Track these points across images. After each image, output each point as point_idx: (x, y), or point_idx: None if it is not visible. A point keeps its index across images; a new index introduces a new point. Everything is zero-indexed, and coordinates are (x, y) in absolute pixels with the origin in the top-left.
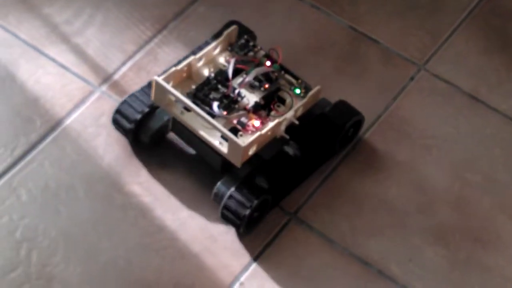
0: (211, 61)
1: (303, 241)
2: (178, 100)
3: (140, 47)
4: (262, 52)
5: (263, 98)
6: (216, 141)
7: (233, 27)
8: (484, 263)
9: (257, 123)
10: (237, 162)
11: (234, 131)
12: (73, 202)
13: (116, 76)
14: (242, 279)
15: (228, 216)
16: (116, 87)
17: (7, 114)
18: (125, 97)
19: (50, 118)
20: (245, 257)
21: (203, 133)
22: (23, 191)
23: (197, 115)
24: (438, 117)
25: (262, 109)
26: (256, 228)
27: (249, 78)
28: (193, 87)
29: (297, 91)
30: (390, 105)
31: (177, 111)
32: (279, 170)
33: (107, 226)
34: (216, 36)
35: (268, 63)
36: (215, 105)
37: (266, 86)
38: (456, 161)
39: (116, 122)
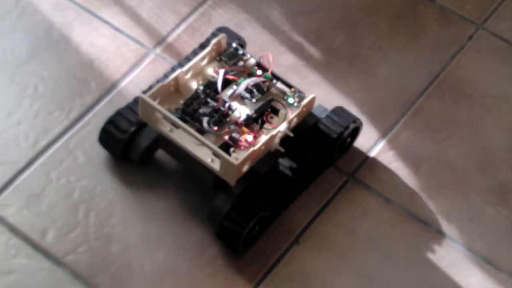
0: (199, 73)
1: (361, 201)
2: (165, 117)
3: (194, 9)
4: (252, 61)
5: (255, 110)
6: (207, 158)
7: (221, 35)
8: None
9: (249, 137)
10: (231, 180)
11: (226, 146)
12: (129, 164)
13: (170, 39)
14: (300, 238)
15: (224, 236)
16: (170, 49)
17: (62, 76)
18: (110, 115)
19: (105, 80)
20: (304, 218)
21: (193, 151)
22: (80, 153)
23: (187, 132)
24: (498, 77)
25: (255, 121)
26: (313, 188)
27: (239, 90)
28: (182, 102)
29: (290, 100)
30: (448, 65)
31: (165, 129)
32: (275, 185)
33: (163, 187)
34: (203, 45)
35: (259, 72)
36: (204, 121)
37: (258, 97)
38: None
39: (102, 141)
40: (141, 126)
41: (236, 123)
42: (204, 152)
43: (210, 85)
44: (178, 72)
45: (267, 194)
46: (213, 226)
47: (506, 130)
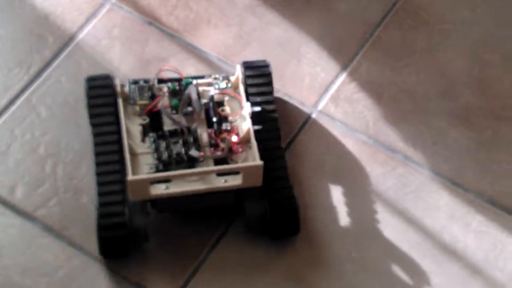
0: (129, 132)
1: (326, 133)
2: (159, 179)
3: None
4: (156, 85)
5: (209, 114)
6: (221, 182)
7: (118, 84)
8: (510, 140)
9: (234, 138)
10: (259, 181)
11: (221, 160)
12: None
13: None
14: None
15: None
16: None
17: (19, 33)
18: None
19: (62, 33)
20: None
21: (203, 186)
22: (43, 108)
23: (184, 177)
24: (454, 2)
25: (219, 123)
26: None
27: (180, 114)
28: (154, 159)
29: (222, 85)
30: None
31: (161, 190)
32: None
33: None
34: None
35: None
36: (194, 153)
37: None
38: (474, 43)
39: (107, 253)
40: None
41: (210, 136)
42: (212, 180)
43: (154, 128)
44: (127, 145)
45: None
46: (260, 231)
47: (464, 54)
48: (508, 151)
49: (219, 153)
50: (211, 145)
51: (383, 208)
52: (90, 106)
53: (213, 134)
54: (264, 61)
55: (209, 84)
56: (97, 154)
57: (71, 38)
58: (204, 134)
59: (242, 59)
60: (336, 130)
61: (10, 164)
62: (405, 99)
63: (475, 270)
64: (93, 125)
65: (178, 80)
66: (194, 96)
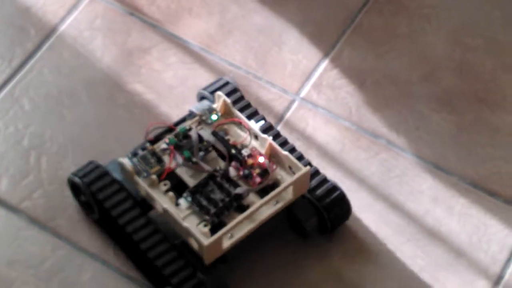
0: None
1: (310, 120)
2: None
3: None
4: (159, 147)
5: (225, 149)
6: (274, 207)
7: (126, 163)
8: (492, 123)
9: (261, 159)
10: (306, 187)
11: (266, 189)
12: (76, 106)
13: None
14: None
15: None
16: None
17: (0, 26)
18: None
19: (44, 26)
20: None
21: (263, 217)
22: (26, 101)
23: (247, 216)
24: None
25: (238, 153)
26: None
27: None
28: (204, 216)
29: (214, 117)
30: None
31: (229, 242)
32: None
33: (113, 126)
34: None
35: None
36: (241, 190)
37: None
38: (455, 27)
39: None
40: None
41: (241, 164)
42: (265, 207)
43: (178, 188)
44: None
45: None
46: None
47: (445, 38)
48: (490, 134)
49: (266, 181)
50: (245, 177)
51: (367, 193)
52: (109, 209)
53: (240, 166)
54: (221, 78)
55: (200, 122)
56: (148, 249)
57: (53, 30)
58: (230, 170)
59: (224, 48)
60: (319, 117)
61: None
62: (388, 84)
63: (459, 253)
64: (124, 224)
65: (170, 131)
66: (211, 138)
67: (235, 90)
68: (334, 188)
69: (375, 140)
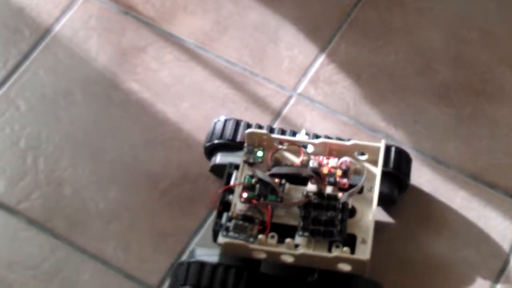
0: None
1: (307, 116)
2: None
3: None
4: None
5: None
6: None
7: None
8: (490, 115)
9: (332, 161)
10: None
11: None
12: (72, 106)
13: None
14: None
15: None
16: None
17: None
18: None
19: (38, 26)
20: None
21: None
22: (21, 102)
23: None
24: None
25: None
26: (256, 109)
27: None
28: (335, 239)
29: (260, 154)
30: None
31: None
32: None
33: (109, 126)
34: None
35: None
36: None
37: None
38: (451, 20)
39: None
40: None
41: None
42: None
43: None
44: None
45: None
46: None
47: (441, 31)
48: (488, 126)
49: (352, 177)
50: (333, 185)
51: None
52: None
53: (320, 180)
54: (217, 122)
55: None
56: None
57: (48, 30)
58: (317, 187)
59: (220, 45)
60: (316, 112)
61: None
62: (385, 78)
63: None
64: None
65: (231, 191)
66: (280, 170)
67: (239, 122)
68: (399, 150)
69: (374, 134)
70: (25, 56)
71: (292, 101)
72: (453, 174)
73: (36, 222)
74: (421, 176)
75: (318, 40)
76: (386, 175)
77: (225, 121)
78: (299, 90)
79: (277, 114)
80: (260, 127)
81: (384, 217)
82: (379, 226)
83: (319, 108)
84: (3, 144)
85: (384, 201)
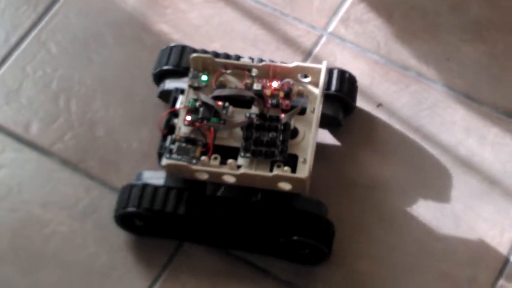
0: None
1: (338, 55)
2: None
3: None
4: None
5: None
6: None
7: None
8: None
9: (275, 83)
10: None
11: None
12: (103, 49)
13: None
14: None
15: None
16: None
17: None
18: None
19: None
20: None
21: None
22: (52, 44)
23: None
24: None
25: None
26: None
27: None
28: (276, 159)
29: (204, 78)
30: None
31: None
32: None
33: (140, 67)
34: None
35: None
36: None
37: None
38: None
39: None
40: None
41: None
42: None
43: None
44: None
45: None
46: None
47: None
48: None
49: (294, 98)
50: (275, 107)
51: (398, 125)
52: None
53: (263, 102)
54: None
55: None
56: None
57: None
58: (259, 109)
59: None
60: (347, 52)
61: (23, 101)
62: (416, 16)
63: (493, 182)
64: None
65: (176, 115)
66: (223, 92)
67: (185, 48)
68: (343, 72)
69: (405, 72)
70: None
71: (323, 40)
72: (486, 111)
73: (69, 163)
74: (454, 114)
75: None
76: (330, 97)
77: (171, 47)
78: (330, 29)
79: (308, 54)
80: (205, 52)
81: (330, 139)
82: (324, 148)
83: (350, 47)
84: (35, 87)
85: (329, 123)
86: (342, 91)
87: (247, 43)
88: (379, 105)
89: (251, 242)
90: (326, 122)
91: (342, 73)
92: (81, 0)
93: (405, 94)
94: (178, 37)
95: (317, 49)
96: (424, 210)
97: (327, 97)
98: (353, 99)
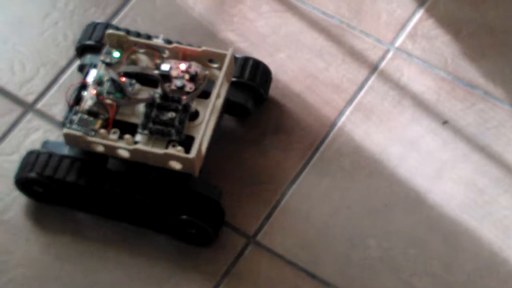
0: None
1: (405, 70)
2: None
3: None
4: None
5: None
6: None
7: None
8: None
9: (182, 65)
10: (233, 71)
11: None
12: None
13: None
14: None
15: None
16: None
17: None
18: None
19: None
20: (347, 93)
21: (217, 109)
22: None
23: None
24: None
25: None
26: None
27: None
28: (172, 138)
29: (116, 55)
30: None
31: (204, 148)
32: None
33: None
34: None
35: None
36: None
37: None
38: None
39: None
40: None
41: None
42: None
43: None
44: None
45: None
46: None
47: None
48: None
49: (199, 82)
50: (180, 89)
51: (463, 144)
52: (89, 182)
53: (169, 82)
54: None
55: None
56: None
57: None
58: (164, 88)
59: None
60: (414, 67)
61: None
62: (484, 34)
63: None
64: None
65: (84, 87)
66: (130, 69)
67: (108, 25)
68: (257, 63)
69: (472, 90)
70: (124, 3)
71: (390, 55)
72: None
73: None
74: None
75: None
76: (241, 85)
77: (96, 24)
78: (397, 44)
79: (374, 68)
80: (128, 32)
81: (237, 127)
82: (228, 136)
83: (417, 63)
84: None
85: (239, 112)
86: (255, 81)
87: (314, 54)
88: (445, 122)
89: (143, 217)
90: (235, 109)
91: (257, 63)
92: (149, 4)
93: (471, 112)
94: (245, 46)
95: (383, 64)
96: (485, 231)
97: (239, 85)
98: (265, 90)
